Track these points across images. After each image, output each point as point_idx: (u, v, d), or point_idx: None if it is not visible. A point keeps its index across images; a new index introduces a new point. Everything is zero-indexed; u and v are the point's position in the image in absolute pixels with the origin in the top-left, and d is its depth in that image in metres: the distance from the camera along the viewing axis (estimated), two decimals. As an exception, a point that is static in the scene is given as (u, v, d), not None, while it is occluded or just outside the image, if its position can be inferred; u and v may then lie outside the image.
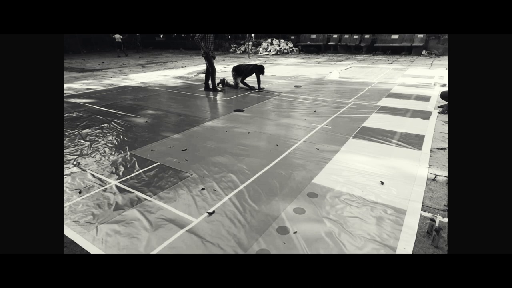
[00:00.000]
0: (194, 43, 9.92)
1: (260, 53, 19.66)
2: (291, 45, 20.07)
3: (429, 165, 3.36)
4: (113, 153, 3.96)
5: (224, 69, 11.72)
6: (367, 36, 17.81)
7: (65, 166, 3.57)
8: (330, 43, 19.00)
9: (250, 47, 19.93)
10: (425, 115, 5.26)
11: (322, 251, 2.14)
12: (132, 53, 21.11)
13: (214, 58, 7.46)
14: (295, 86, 8.33)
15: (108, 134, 4.69)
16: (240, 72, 7.95)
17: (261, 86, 7.92)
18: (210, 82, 7.82)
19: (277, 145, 4.05)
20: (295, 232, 2.31)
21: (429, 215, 2.48)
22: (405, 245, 2.15)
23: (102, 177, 3.28)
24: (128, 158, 3.78)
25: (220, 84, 8.27)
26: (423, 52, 16.10)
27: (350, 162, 3.49)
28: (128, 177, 3.28)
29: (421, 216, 2.48)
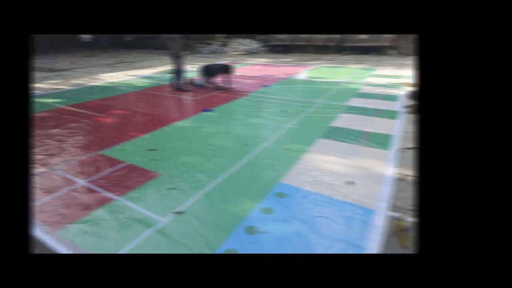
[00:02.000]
0: (162, 43, 9.71)
1: (229, 53, 19.57)
2: (259, 44, 20.09)
3: (397, 164, 3.41)
4: (82, 152, 3.82)
5: (191, 69, 11.54)
6: (336, 36, 18.09)
7: (33, 166, 3.36)
8: (298, 43, 19.17)
9: (218, 47, 19.78)
10: (393, 115, 5.35)
11: (290, 251, 2.12)
12: (101, 52, 20.43)
13: (182, 58, 7.30)
14: (264, 86, 8.32)
15: (76, 134, 4.52)
16: (209, 71, 7.85)
17: (230, 85, 7.84)
18: (177, 82, 7.66)
19: (245, 145, 3.99)
20: (263, 232, 2.27)
21: (397, 214, 2.50)
22: (373, 245, 2.17)
23: (71, 177, 3.17)
24: (97, 158, 3.65)
25: (188, 84, 8.12)
26: (392, 52, 16.53)
27: (318, 162, 3.49)
28: (97, 177, 3.19)
29: (389, 215, 2.50)
